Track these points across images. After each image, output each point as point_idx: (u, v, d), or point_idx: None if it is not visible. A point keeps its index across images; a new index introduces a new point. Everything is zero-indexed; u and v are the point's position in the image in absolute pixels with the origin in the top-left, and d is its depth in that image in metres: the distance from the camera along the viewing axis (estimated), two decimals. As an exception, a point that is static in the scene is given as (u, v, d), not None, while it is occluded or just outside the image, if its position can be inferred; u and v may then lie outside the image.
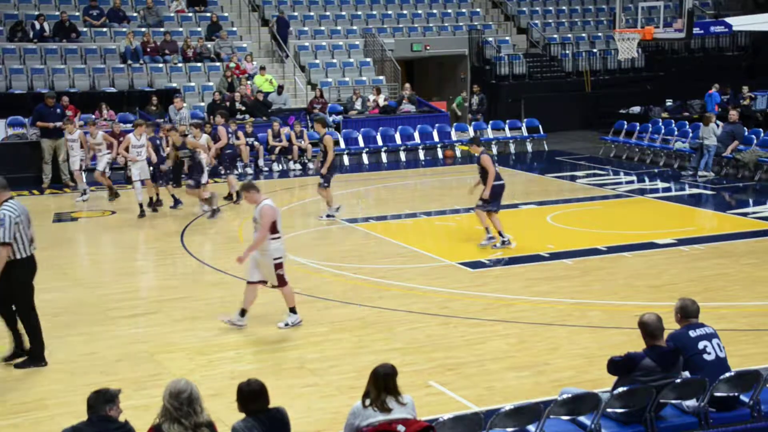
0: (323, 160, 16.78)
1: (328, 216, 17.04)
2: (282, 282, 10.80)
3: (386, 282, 12.94)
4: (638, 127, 24.88)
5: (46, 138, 20.74)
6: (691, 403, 7.23)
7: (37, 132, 21.20)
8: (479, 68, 30.11)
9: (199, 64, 26.11)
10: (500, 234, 14.53)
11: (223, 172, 19.51)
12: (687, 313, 7.52)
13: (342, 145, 24.26)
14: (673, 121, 24.95)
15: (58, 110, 21.03)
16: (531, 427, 6.79)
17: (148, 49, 25.76)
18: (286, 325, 10.89)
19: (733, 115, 21.98)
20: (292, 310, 10.97)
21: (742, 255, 14.09)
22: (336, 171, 18.32)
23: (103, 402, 5.97)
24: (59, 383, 9.29)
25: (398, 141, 24.87)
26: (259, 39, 28.38)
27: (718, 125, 21.34)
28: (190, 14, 28.42)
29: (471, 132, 25.97)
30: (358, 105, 25.79)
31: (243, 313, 10.90)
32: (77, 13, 26.98)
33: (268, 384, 6.27)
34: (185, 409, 5.77)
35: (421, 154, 24.75)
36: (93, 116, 23.00)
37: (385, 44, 28.58)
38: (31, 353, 9.77)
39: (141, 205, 17.42)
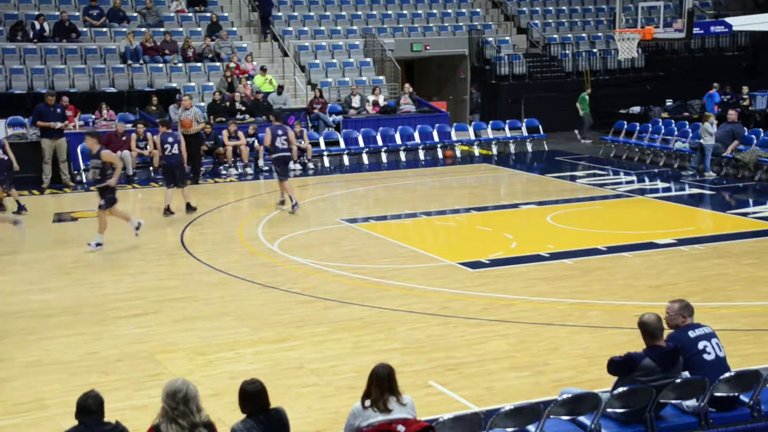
0: (100, 178, 14.87)
1: (98, 245, 14.90)
2: None
3: (386, 282, 12.94)
4: (638, 127, 24.87)
5: (46, 138, 20.69)
6: (691, 403, 7.23)
7: (37, 132, 21.18)
8: (479, 68, 30.10)
9: (199, 64, 26.11)
10: (290, 198, 17.58)
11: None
12: (690, 311, 7.53)
13: (342, 145, 24.27)
14: (673, 121, 24.94)
15: (59, 110, 20.97)
16: (531, 427, 6.79)
17: (149, 48, 25.75)
18: None
19: (733, 114, 21.99)
20: None
21: (742, 255, 14.09)
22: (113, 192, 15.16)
23: (98, 405, 5.97)
24: (59, 383, 9.29)
25: (398, 141, 24.86)
26: (259, 39, 28.38)
27: (713, 125, 21.33)
28: (190, 14, 28.42)
29: (471, 133, 25.96)
30: (356, 102, 25.77)
31: None
32: (77, 13, 26.98)
33: (268, 384, 6.27)
34: (181, 409, 5.78)
35: (421, 154, 24.74)
36: (93, 116, 23.09)
37: (385, 44, 28.58)
38: None
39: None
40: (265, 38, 28.19)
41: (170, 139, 17.19)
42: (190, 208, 17.43)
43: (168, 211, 17.26)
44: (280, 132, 17.58)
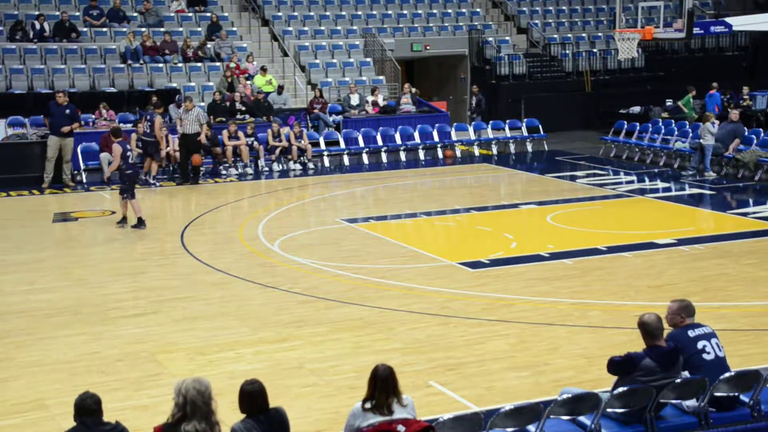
0: None
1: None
2: None
3: (386, 282, 12.94)
4: (638, 127, 24.86)
5: (54, 135, 20.51)
6: (691, 403, 7.23)
7: (38, 132, 21.13)
8: (479, 68, 30.10)
9: (199, 64, 26.10)
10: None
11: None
12: (690, 312, 7.53)
13: (342, 145, 24.27)
14: (673, 121, 24.93)
15: (67, 110, 20.51)
16: (531, 427, 6.79)
17: (149, 48, 25.73)
18: None
19: (734, 114, 21.99)
20: None
21: (742, 255, 14.09)
22: None
23: (97, 405, 5.97)
24: (59, 383, 9.29)
25: (398, 141, 24.85)
26: (259, 38, 28.37)
27: (714, 124, 21.34)
28: (190, 14, 28.42)
29: (471, 133, 25.96)
30: (354, 100, 25.75)
31: None
32: (77, 13, 26.97)
33: (268, 384, 6.27)
34: (213, 406, 5.79)
35: (421, 154, 24.74)
36: (93, 116, 23.05)
37: (385, 44, 28.57)
38: None
39: None
40: (253, 17, 28.33)
41: (129, 146, 16.66)
42: (142, 222, 16.30)
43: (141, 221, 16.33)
44: (147, 117, 20.54)
